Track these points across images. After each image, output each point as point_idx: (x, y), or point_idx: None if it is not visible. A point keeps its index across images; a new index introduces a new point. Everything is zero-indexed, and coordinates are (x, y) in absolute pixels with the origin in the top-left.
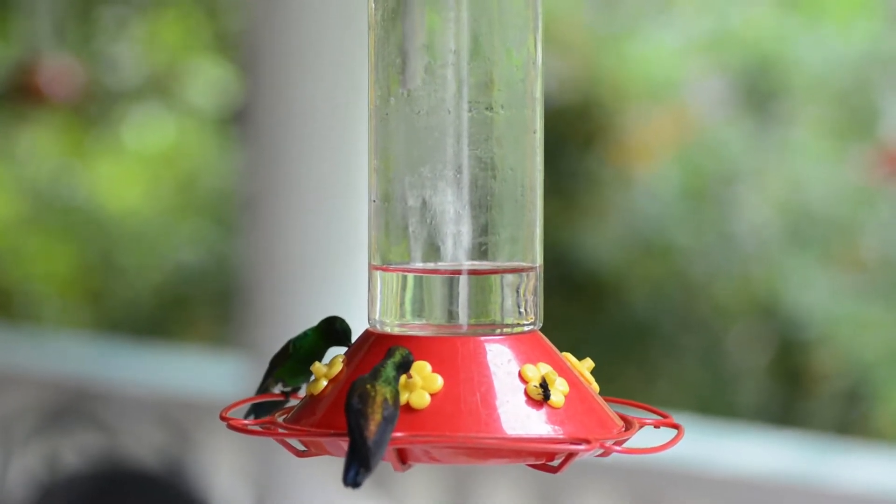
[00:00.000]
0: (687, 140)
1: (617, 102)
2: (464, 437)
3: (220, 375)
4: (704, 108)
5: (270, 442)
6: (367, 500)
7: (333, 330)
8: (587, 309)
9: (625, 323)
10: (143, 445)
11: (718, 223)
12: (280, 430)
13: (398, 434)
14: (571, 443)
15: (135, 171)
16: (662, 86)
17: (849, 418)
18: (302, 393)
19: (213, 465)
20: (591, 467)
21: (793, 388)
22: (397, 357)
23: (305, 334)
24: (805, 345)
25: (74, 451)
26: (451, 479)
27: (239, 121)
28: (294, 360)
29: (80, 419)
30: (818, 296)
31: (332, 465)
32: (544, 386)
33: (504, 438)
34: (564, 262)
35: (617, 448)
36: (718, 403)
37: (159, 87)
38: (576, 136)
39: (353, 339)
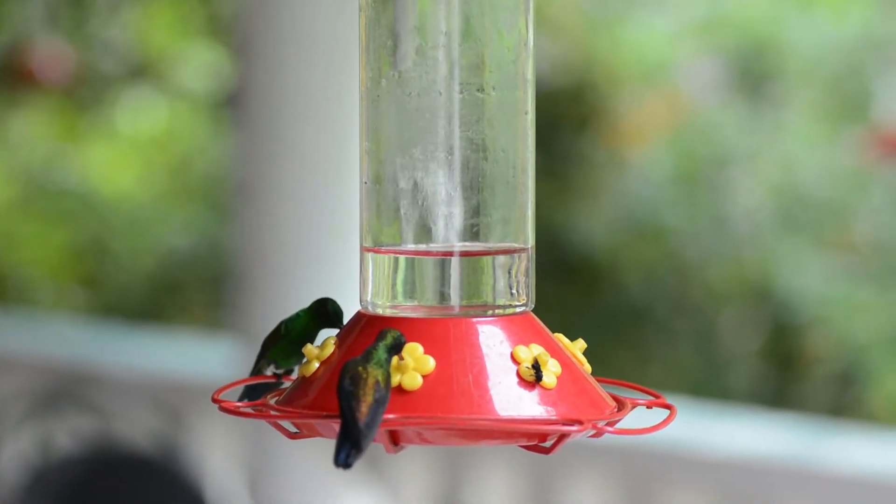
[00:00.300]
0: (680, 123)
1: (610, 85)
2: (456, 418)
3: (213, 359)
4: (698, 91)
5: (263, 424)
6: (360, 482)
7: (325, 311)
8: (580, 292)
9: (618, 306)
10: (136, 429)
11: (711, 206)
12: (272, 413)
13: (390, 416)
14: (563, 424)
15: (128, 155)
16: (656, 69)
17: (842, 401)
18: (294, 375)
19: (206, 448)
20: (584, 449)
21: (786, 371)
22: (389, 339)
23: (297, 315)
24: (798, 328)
25: (68, 434)
26: (444, 462)
27: (232, 105)
28: (286, 341)
29: (74, 403)
30: (811, 279)
31: (324, 448)
32: (536, 367)
33: (496, 420)
34: (557, 245)
35: (609, 429)
36: (711, 386)
37: (152, 71)
38: (569, 119)
39: (345, 320)
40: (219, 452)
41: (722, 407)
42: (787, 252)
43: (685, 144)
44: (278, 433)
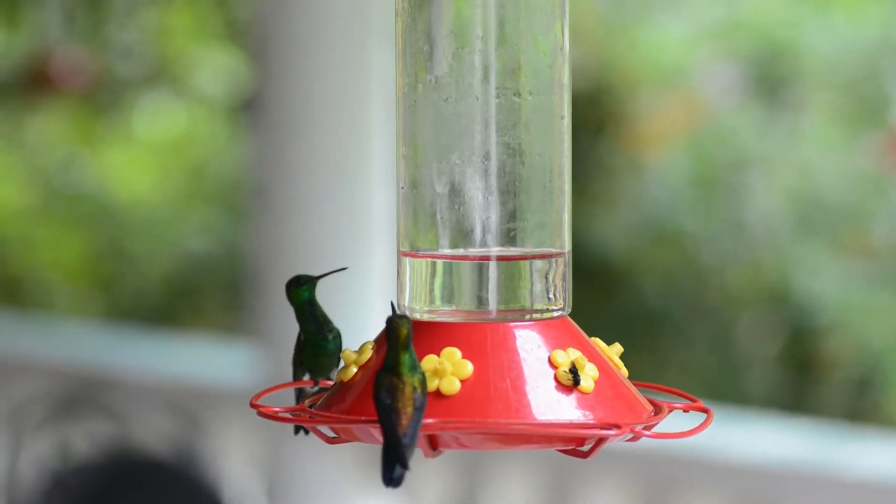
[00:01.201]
0: (697, 127)
1: (628, 90)
2: (495, 423)
3: (231, 363)
4: (715, 95)
5: (281, 429)
6: (377, 485)
7: (298, 282)
8: (597, 296)
9: (635, 310)
10: (153, 433)
11: (729, 210)
12: (310, 418)
13: (429, 420)
14: (601, 427)
15: (145, 159)
16: (673, 73)
17: (860, 405)
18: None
19: (223, 453)
20: (602, 453)
21: (803, 375)
22: (402, 333)
23: (300, 313)
24: (815, 332)
25: (85, 439)
26: (462, 465)
27: (249, 109)
28: (308, 345)
29: (91, 407)
30: (828, 283)
31: (342, 453)
32: (574, 371)
33: (535, 424)
34: (574, 250)
35: (647, 433)
36: (729, 391)
37: (169, 75)
38: (586, 124)
39: (365, 321)
40: (236, 457)
41: (739, 411)
42: (804, 256)
43: (702, 148)
44: (296, 438)
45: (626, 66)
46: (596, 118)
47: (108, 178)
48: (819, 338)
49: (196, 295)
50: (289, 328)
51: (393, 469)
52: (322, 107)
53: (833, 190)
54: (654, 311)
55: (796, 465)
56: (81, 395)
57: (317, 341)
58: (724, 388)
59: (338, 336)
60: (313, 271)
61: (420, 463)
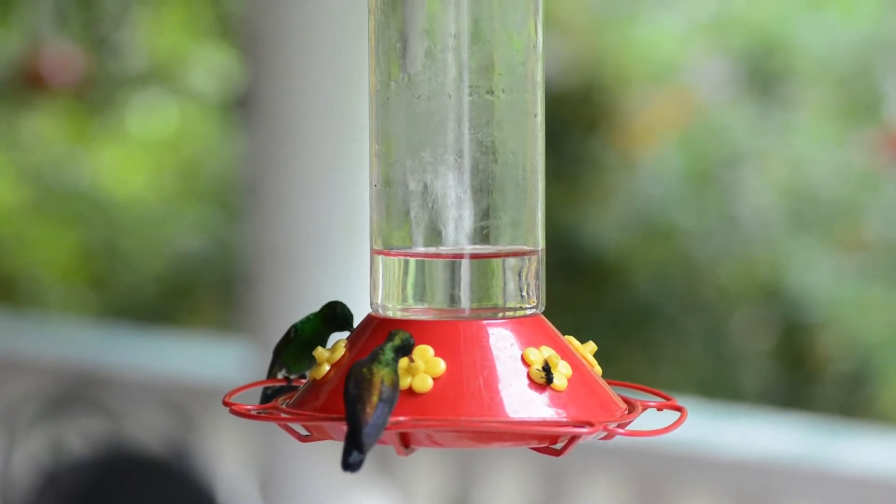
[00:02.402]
0: (690, 123)
1: (620, 86)
2: (466, 420)
3: (224, 361)
4: (707, 91)
5: (274, 427)
6: (371, 483)
7: (335, 314)
8: (590, 292)
9: (628, 306)
10: (147, 431)
11: (721, 206)
12: (282, 416)
13: (400, 418)
14: (574, 426)
15: (138, 157)
16: (665, 69)
17: (853, 400)
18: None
19: (217, 450)
20: (594, 451)
21: (796, 370)
22: (397, 340)
23: (308, 318)
24: (808, 327)
25: (79, 436)
26: (454, 463)
27: (242, 106)
28: (296, 344)
29: (85, 405)
30: (821, 278)
31: (334, 449)
32: (547, 369)
33: (507, 422)
34: (568, 246)
35: (620, 431)
36: (722, 386)
37: (162, 73)
38: (579, 120)
39: (356, 323)
40: (230, 454)
41: (732, 407)
42: (797, 251)
43: (695, 144)
44: (290, 436)
45: (618, 62)
46: (588, 114)
47: (101, 176)
48: (812, 333)
49: (189, 293)
50: (281, 325)
51: (350, 454)
52: (315, 104)
53: (826, 185)
54: (647, 307)
55: (790, 460)
56: (75, 392)
57: (306, 346)
58: (717, 383)
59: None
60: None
61: (413, 461)
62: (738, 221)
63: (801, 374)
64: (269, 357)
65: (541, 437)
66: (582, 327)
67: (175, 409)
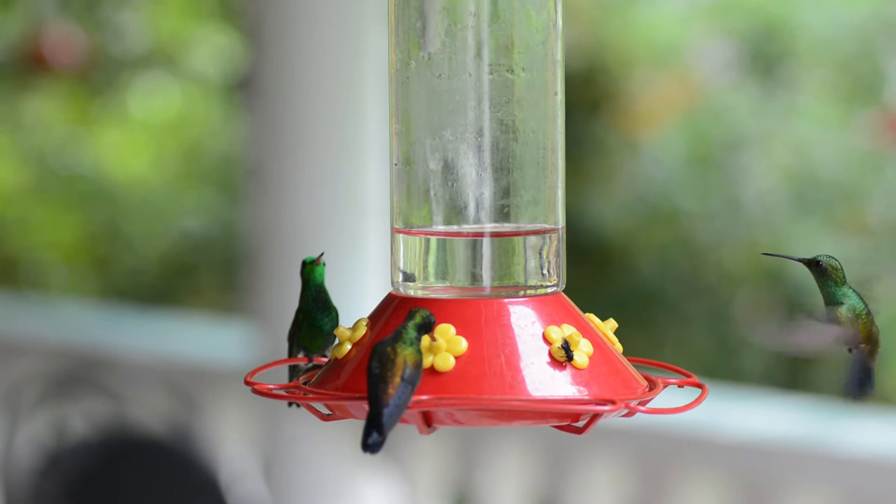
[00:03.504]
0: (692, 106)
1: (623, 68)
2: (489, 399)
3: (227, 342)
4: (710, 73)
5: (277, 408)
6: (373, 464)
7: (312, 262)
8: (593, 275)
9: (631, 289)
10: (149, 412)
11: (724, 189)
12: (304, 395)
13: (423, 397)
14: (596, 403)
15: (140, 139)
16: (668, 51)
17: None
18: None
19: (219, 432)
20: (597, 431)
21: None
22: (418, 318)
23: (303, 296)
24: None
25: (81, 418)
26: (457, 444)
27: (244, 88)
28: (306, 325)
29: (87, 387)
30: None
31: (338, 432)
32: (567, 347)
33: (529, 400)
34: (570, 228)
35: (641, 408)
36: (725, 368)
37: (164, 55)
38: (582, 103)
39: (370, 302)
40: (232, 436)
41: (735, 389)
42: (800, 234)
43: (698, 127)
44: (293, 416)
45: (621, 44)
46: (591, 97)
47: (103, 158)
48: None
49: (192, 274)
50: (285, 307)
51: (370, 435)
52: (317, 86)
53: (829, 167)
54: (650, 290)
55: (791, 441)
56: (78, 374)
57: (315, 320)
58: (719, 365)
59: (336, 317)
60: (308, 250)
61: (415, 442)
62: (740, 204)
63: (803, 357)
64: (271, 338)
65: (563, 416)
66: (585, 310)
67: (177, 390)
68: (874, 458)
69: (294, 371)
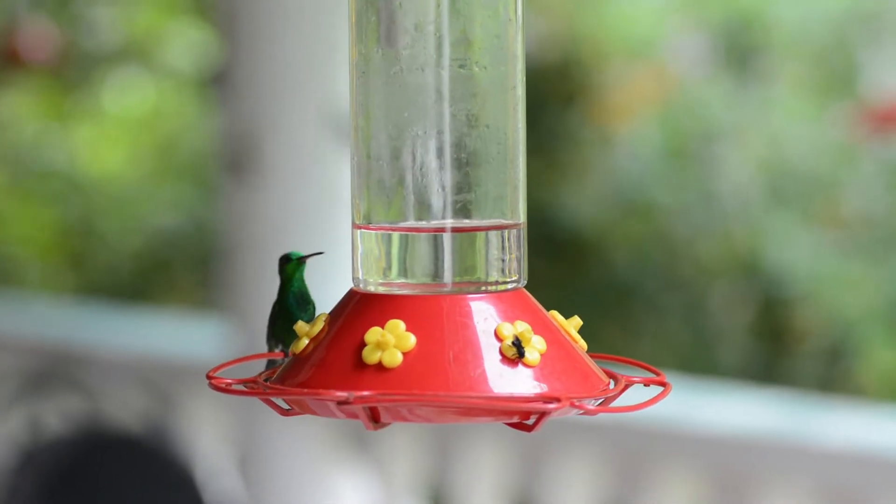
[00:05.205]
0: (667, 98)
1: (597, 61)
2: (431, 395)
3: (202, 338)
4: (684, 66)
5: (253, 404)
6: (348, 460)
7: (286, 259)
8: (568, 269)
9: (607, 282)
10: (125, 409)
11: (699, 181)
12: (262, 390)
13: (366, 392)
14: (543, 401)
15: (114, 134)
16: (642, 44)
17: (831, 375)
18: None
19: (195, 428)
20: (574, 426)
21: (775, 345)
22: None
23: (282, 287)
24: (787, 302)
25: (56, 415)
26: (432, 439)
27: (218, 83)
28: (283, 318)
29: (62, 383)
30: (800, 253)
31: (314, 428)
32: (517, 344)
33: (472, 397)
34: (545, 222)
35: (591, 406)
36: (701, 362)
37: (138, 50)
38: (556, 96)
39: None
40: (208, 432)
41: (711, 382)
42: (775, 227)
43: (672, 120)
44: (269, 413)
45: (595, 37)
46: (566, 90)
47: (77, 153)
48: (790, 308)
49: (167, 270)
50: (260, 303)
51: None
52: (291, 80)
53: (804, 160)
54: (626, 284)
55: (768, 435)
56: (52, 371)
57: (292, 314)
58: (696, 359)
59: (313, 311)
60: (283, 246)
61: (390, 439)
62: (716, 197)
63: (779, 349)
64: (246, 334)
65: (508, 413)
66: (560, 304)
67: (153, 386)
68: (850, 451)
69: (272, 365)
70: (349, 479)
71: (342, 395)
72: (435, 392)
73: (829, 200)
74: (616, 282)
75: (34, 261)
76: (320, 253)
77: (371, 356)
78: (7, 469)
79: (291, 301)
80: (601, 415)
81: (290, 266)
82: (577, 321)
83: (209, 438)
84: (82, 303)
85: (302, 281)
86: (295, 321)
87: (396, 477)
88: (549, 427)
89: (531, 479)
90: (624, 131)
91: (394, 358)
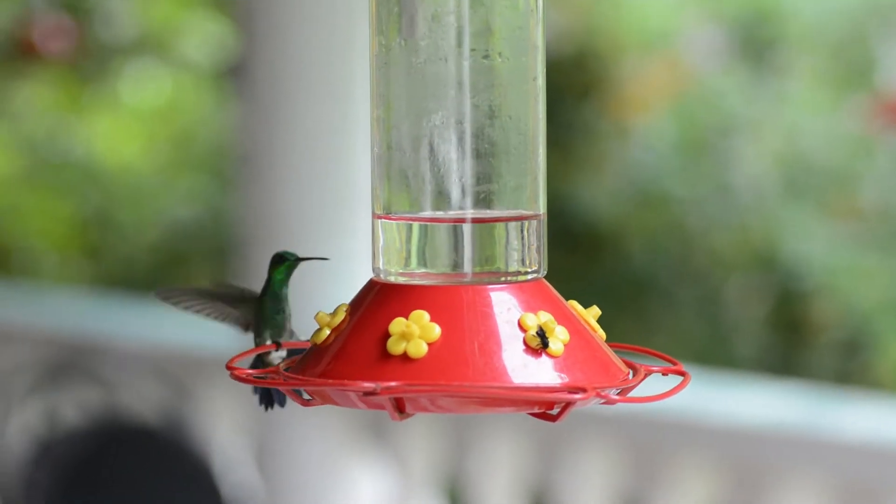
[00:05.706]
0: (683, 91)
1: (613, 54)
2: (458, 385)
3: (218, 330)
4: (700, 58)
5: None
6: (365, 450)
7: (279, 258)
8: (584, 261)
9: (622, 275)
10: (141, 400)
11: (715, 174)
12: (283, 381)
13: (392, 383)
14: (568, 391)
15: (131, 126)
16: (658, 36)
17: (847, 368)
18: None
19: (211, 420)
20: (591, 417)
21: (791, 338)
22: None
23: (267, 285)
24: (803, 295)
25: (73, 407)
26: (450, 430)
27: (235, 75)
28: (270, 313)
29: (79, 375)
30: (816, 246)
31: (331, 419)
32: (541, 334)
33: (498, 387)
34: (561, 215)
35: (616, 397)
36: (717, 354)
37: (155, 42)
38: (572, 88)
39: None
40: (225, 423)
41: (727, 375)
42: (791, 219)
43: (688, 113)
44: (286, 402)
45: (611, 30)
46: (581, 82)
47: (94, 145)
48: (807, 301)
49: (183, 262)
50: None
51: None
52: (308, 72)
53: (820, 153)
54: (641, 276)
55: (784, 427)
56: (69, 362)
57: (268, 315)
58: (711, 351)
59: (283, 321)
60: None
61: (408, 430)
62: (732, 189)
63: (795, 342)
64: None
65: (533, 403)
66: (576, 296)
67: (169, 378)
68: (867, 444)
69: (260, 359)
70: (366, 470)
71: (369, 385)
72: (461, 382)
73: (845, 193)
74: (632, 274)
75: (51, 252)
76: (325, 258)
77: (396, 347)
78: (24, 460)
79: (268, 301)
80: (618, 407)
81: (279, 270)
82: (595, 311)
83: (226, 429)
84: (99, 294)
85: (281, 284)
86: (268, 320)
87: (413, 468)
88: (566, 418)
89: (548, 471)
90: (640, 124)
91: (419, 348)
